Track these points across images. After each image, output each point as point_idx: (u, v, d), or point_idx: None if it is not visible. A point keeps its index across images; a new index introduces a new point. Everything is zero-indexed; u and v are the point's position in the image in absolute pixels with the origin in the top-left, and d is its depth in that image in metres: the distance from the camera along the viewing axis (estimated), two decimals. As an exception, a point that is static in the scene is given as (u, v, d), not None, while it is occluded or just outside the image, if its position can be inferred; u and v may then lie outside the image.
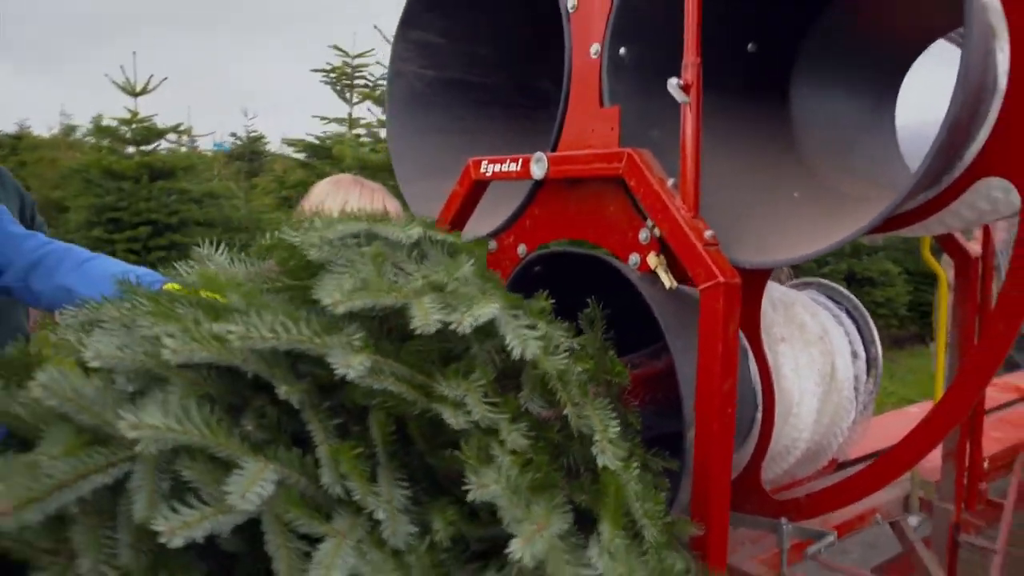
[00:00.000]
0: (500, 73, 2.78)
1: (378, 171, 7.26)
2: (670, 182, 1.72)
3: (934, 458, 2.88)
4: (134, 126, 9.91)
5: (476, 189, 2.22)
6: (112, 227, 9.26)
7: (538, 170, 1.98)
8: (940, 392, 2.82)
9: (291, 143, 9.96)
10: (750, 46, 2.16)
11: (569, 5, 2.06)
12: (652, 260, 1.88)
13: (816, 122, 2.26)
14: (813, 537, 2.22)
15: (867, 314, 2.62)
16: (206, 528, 1.02)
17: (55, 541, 1.15)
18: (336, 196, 2.23)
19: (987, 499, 3.15)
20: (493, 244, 2.37)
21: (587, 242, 2.12)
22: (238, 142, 18.03)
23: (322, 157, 8.97)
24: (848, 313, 2.61)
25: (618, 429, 1.35)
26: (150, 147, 10.13)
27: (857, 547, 4.36)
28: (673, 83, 1.66)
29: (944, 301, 2.76)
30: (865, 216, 1.61)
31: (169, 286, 1.82)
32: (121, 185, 9.48)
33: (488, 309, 1.24)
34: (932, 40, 2.23)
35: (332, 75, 9.25)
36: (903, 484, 2.90)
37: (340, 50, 9.22)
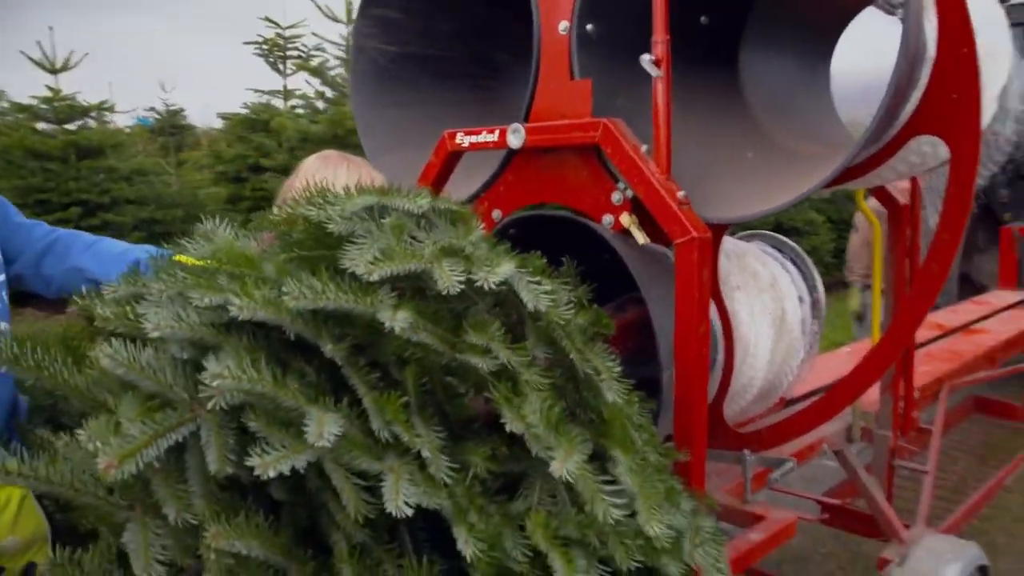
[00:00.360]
0: (459, 47, 2.91)
1: (320, 142, 7.30)
2: (643, 148, 1.90)
3: (872, 392, 3.16)
4: (56, 104, 9.73)
5: (451, 159, 2.37)
6: (40, 209, 9.11)
7: (515, 140, 2.14)
8: (877, 333, 3.07)
9: (227, 117, 9.88)
10: (703, 19, 2.34)
11: (536, -16, 2.21)
12: (625, 219, 2.06)
13: (764, 86, 2.47)
14: (774, 465, 2.46)
15: (809, 261, 2.85)
16: (289, 464, 1.17)
17: (132, 497, 1.30)
18: (324, 171, 2.32)
19: (919, 426, 3.44)
20: (468, 211, 2.53)
21: (559, 205, 2.30)
22: (157, 116, 17.70)
23: (259, 130, 8.94)
24: (792, 261, 2.84)
25: (619, 369, 1.53)
26: (74, 126, 9.96)
27: (799, 481, 4.68)
28: (646, 59, 1.84)
29: (879, 248, 3.00)
30: (820, 173, 1.82)
31: (179, 257, 1.96)
32: (47, 165, 9.32)
33: (506, 268, 1.41)
34: (860, 6, 2.44)
35: (264, 47, 9.20)
36: (845, 417, 3.16)
37: (271, 21, 9.17)
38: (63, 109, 9.80)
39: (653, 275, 2.00)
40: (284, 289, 1.29)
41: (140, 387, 1.30)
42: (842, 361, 3.90)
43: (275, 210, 1.88)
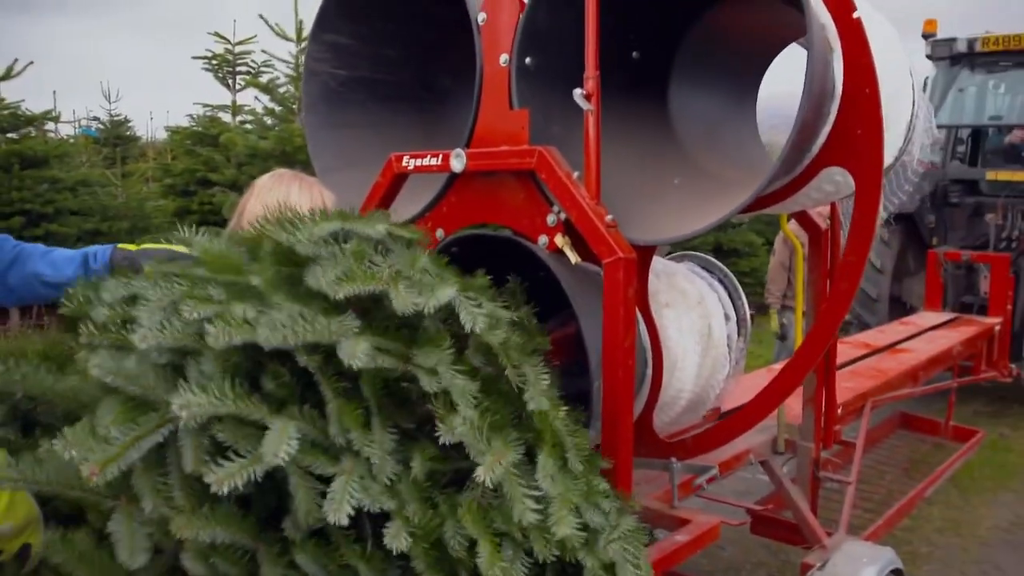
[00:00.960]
0: (405, 72, 3.04)
1: (268, 158, 7.35)
2: (575, 175, 2.05)
3: (797, 406, 3.35)
4: (0, 113, 9.63)
5: (397, 180, 2.50)
6: (-18, 218, 9.04)
7: (457, 164, 2.28)
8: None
9: (175, 131, 9.87)
10: (634, 54, 2.51)
11: (480, 19, 2.36)
12: (559, 240, 2.21)
13: (692, 117, 2.64)
14: (698, 472, 2.62)
15: (736, 281, 3.02)
16: (245, 476, 1.30)
17: (116, 490, 1.42)
18: (278, 190, 2.45)
19: (841, 439, 3.64)
20: (412, 229, 2.66)
21: (499, 225, 2.45)
22: (101, 127, 17.53)
23: (207, 144, 8.95)
24: (720, 281, 3.01)
25: (548, 381, 1.68)
26: (17, 135, 9.86)
27: (731, 494, 4.86)
28: (577, 93, 2.00)
29: (801, 269, 3.19)
30: (735, 200, 1.99)
31: (121, 245, 2.10)
32: (-11, 174, 9.23)
33: (447, 292, 1.55)
34: (782, 45, 2.63)
35: (214, 62, 9.24)
36: (772, 429, 3.34)
37: (221, 37, 9.21)
38: (6, 118, 9.70)
39: (584, 292, 2.15)
40: (259, 322, 1.42)
41: (123, 391, 1.44)
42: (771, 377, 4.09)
43: (234, 226, 2.01)
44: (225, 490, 1.31)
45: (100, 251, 2.16)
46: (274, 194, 2.40)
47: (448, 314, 1.66)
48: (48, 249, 2.16)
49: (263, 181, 2.52)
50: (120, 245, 2.18)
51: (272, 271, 1.61)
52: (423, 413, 1.59)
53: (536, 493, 1.52)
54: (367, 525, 1.51)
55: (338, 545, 1.46)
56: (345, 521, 1.38)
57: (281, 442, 1.34)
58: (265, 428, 1.37)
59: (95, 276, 2.01)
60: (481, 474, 1.46)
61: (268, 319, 1.42)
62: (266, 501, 1.47)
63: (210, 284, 1.54)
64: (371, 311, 1.60)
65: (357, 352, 1.43)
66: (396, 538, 1.42)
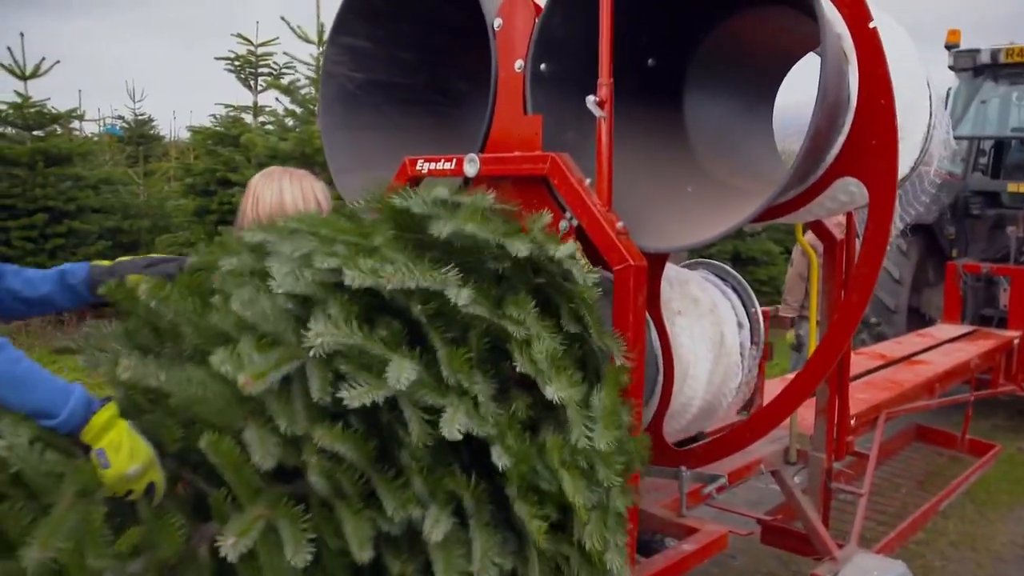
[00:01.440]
0: (421, 75, 3.06)
1: (288, 159, 7.39)
2: (587, 181, 2.05)
3: (810, 416, 3.33)
4: (26, 111, 9.75)
5: (412, 184, 2.50)
6: (5, 215, 9.13)
7: (471, 169, 2.29)
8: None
9: (197, 131, 9.95)
10: (649, 61, 2.51)
11: (495, 24, 2.37)
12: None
13: (706, 125, 2.63)
14: (707, 481, 2.61)
15: (750, 289, 3.01)
16: (370, 399, 1.59)
17: (246, 411, 1.65)
18: (270, 186, 2.62)
19: (855, 450, 3.62)
20: (426, 232, 2.67)
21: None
22: (125, 126, 17.69)
23: (228, 144, 9.02)
24: (733, 289, 3.01)
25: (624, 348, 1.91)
26: (43, 132, 9.97)
27: (742, 504, 4.84)
28: (591, 100, 2.00)
29: (815, 279, 3.18)
30: (747, 208, 1.98)
31: (95, 263, 2.18)
32: (13, 171, 9.34)
33: (567, 248, 1.89)
34: (799, 55, 2.63)
35: (236, 63, 9.30)
36: (783, 439, 3.33)
37: (244, 39, 9.28)
38: (32, 116, 9.82)
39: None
40: (383, 269, 1.68)
41: (259, 328, 1.69)
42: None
43: (237, 228, 2.08)
44: (356, 404, 1.57)
45: (76, 268, 2.22)
46: (267, 190, 2.59)
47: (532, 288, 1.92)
48: (21, 269, 2.20)
49: (255, 181, 2.67)
50: (94, 263, 2.26)
51: (390, 232, 1.86)
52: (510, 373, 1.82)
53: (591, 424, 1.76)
54: (463, 459, 1.75)
55: (444, 475, 1.69)
56: (457, 436, 1.62)
57: (401, 372, 1.58)
58: (382, 366, 1.60)
59: (74, 292, 2.17)
60: (551, 393, 1.71)
61: (390, 268, 1.68)
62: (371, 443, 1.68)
63: (335, 243, 1.79)
64: (474, 269, 1.85)
65: (462, 295, 1.70)
66: (500, 458, 1.66)
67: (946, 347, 5.47)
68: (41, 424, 1.61)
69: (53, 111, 10.00)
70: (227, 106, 10.54)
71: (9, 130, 10.02)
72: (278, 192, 2.60)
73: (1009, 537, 5.19)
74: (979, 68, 7.95)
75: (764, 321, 2.94)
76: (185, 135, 15.51)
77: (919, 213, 3.14)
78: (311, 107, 7.87)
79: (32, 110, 9.79)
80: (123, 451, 1.63)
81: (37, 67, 10.03)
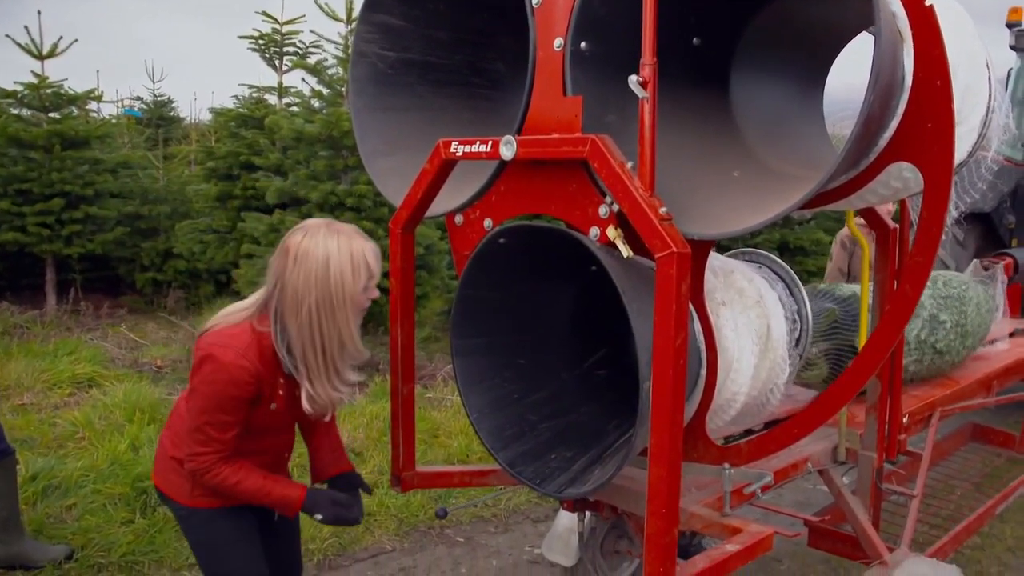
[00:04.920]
0: (457, 55, 3.09)
1: (315, 142, 7.45)
2: (629, 165, 2.08)
3: (860, 413, 3.34)
4: (43, 91, 9.88)
5: (445, 167, 2.55)
6: (22, 200, 9.26)
7: (507, 152, 2.32)
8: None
9: (219, 112, 10.04)
10: (695, 40, 2.53)
11: (534, 1, 2.39)
12: (611, 232, 2.24)
13: (754, 108, 2.65)
14: (752, 480, 2.62)
15: (798, 280, 3.02)
16: None
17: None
18: (315, 252, 2.40)
19: (907, 450, 3.61)
20: (460, 218, 2.71)
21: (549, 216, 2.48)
22: (144, 107, 17.88)
23: (252, 127, 9.09)
24: (781, 280, 3.02)
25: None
26: (59, 114, 10.09)
27: (789, 504, 4.85)
28: (633, 80, 2.02)
29: (867, 268, 3.18)
30: (796, 194, 2.00)
31: None
32: (29, 154, 9.46)
33: None
34: (851, 35, 2.63)
35: (261, 42, 9.37)
36: (832, 437, 3.34)
37: (269, 16, 9.34)
38: (48, 97, 9.94)
39: (636, 288, 2.18)
40: None
41: None
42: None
43: (270, 292, 2.45)
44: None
45: None
46: (312, 256, 2.39)
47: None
48: None
49: (296, 242, 2.43)
50: None
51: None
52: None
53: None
54: None
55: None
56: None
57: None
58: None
59: None
60: None
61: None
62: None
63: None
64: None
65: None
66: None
67: (1005, 341, 5.42)
68: None
69: (70, 92, 10.09)
70: (251, 87, 10.63)
71: (25, 112, 10.14)
72: (324, 259, 2.39)
73: (1070, 543, 5.17)
74: None
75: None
76: (206, 117, 15.66)
77: (975, 200, 3.13)
78: (339, 88, 7.92)
79: (48, 91, 9.88)
80: None
81: (54, 46, 10.14)
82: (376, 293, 2.50)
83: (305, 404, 2.49)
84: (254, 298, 2.53)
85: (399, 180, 2.84)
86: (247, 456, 2.54)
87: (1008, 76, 7.86)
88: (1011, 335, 5.57)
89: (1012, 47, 8.02)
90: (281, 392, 2.52)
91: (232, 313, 2.52)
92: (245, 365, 2.39)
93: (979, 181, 2.77)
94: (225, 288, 9.59)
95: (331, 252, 2.40)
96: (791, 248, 10.05)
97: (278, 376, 2.50)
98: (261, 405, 2.50)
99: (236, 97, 10.31)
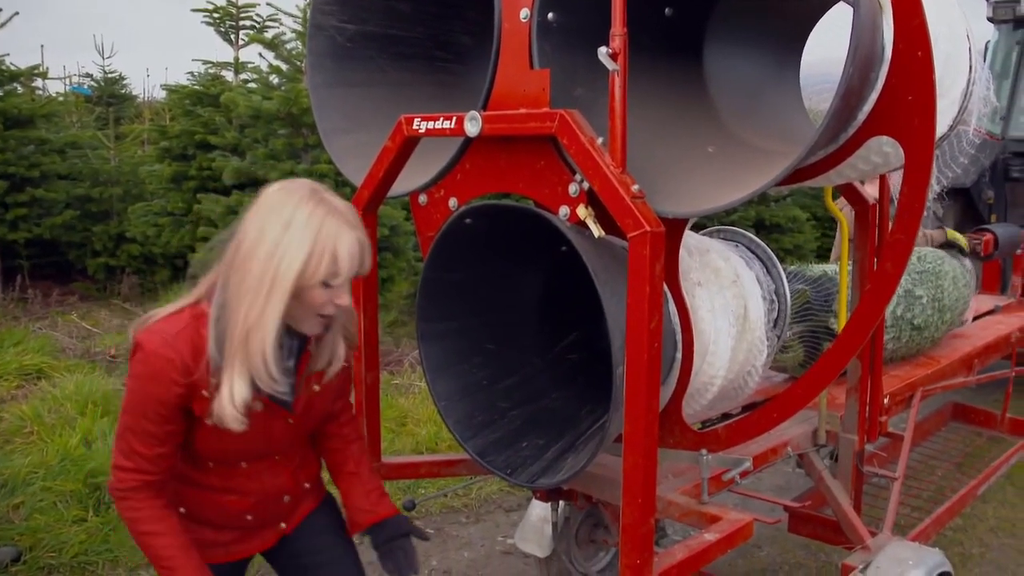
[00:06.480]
0: (420, 27, 3.04)
1: (273, 120, 7.37)
2: (599, 140, 2.05)
3: (841, 395, 3.35)
4: (-17, 68, 9.69)
5: (408, 144, 2.51)
6: (-38, 183, 9.12)
7: (472, 128, 2.28)
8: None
9: (173, 90, 9.89)
10: (667, 11, 2.50)
11: (498, -30, 2.35)
12: (581, 211, 2.22)
13: (729, 80, 2.63)
14: (730, 466, 2.62)
15: (776, 259, 3.02)
16: None
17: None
18: (277, 216, 1.97)
19: (888, 431, 3.63)
20: (424, 198, 2.68)
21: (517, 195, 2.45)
22: (94, 84, 17.60)
23: (207, 104, 8.98)
24: (758, 258, 3.02)
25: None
26: (1, 92, 9.90)
27: (769, 490, 4.88)
28: (603, 52, 1.99)
29: (845, 245, 3.18)
30: (773, 170, 1.98)
31: None
32: (-32, 135, 9.30)
33: None
34: (829, 4, 2.61)
35: (215, 15, 9.24)
36: (812, 420, 3.35)
37: (224, -13, 9.21)
38: (-10, 74, 9.77)
39: (608, 268, 2.16)
40: None
41: None
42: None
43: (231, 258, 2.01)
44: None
45: None
46: (274, 214, 1.97)
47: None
48: None
49: (267, 192, 2.04)
50: None
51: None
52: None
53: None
54: None
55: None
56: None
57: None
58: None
59: None
60: None
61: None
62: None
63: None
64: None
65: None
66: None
67: (985, 319, 5.47)
68: None
69: (12, 68, 9.92)
70: (206, 63, 10.49)
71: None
72: (282, 229, 1.95)
73: (1052, 522, 5.25)
74: (1021, 19, 7.90)
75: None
76: (160, 94, 15.45)
77: (957, 175, 3.14)
78: (298, 63, 7.83)
79: (-11, 67, 9.72)
80: None
81: (-6, 20, 9.97)
82: (345, 300, 2.04)
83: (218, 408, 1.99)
84: (210, 275, 2.08)
85: (360, 158, 2.80)
86: (216, 495, 2.18)
87: (986, 48, 7.91)
88: (991, 312, 5.63)
89: (990, 19, 8.07)
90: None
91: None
92: (169, 356, 1.95)
93: (960, 155, 2.78)
94: (181, 273, 9.47)
95: (296, 220, 1.94)
96: (767, 225, 10.11)
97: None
98: (200, 417, 2.04)
99: (191, 74, 10.17)
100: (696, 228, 2.83)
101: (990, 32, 8.13)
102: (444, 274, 2.56)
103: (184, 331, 1.99)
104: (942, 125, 2.44)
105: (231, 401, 1.96)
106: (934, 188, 2.53)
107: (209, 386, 1.99)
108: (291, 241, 1.93)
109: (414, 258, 7.91)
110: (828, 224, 11.21)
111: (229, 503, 2.22)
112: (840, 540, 3.38)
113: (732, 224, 6.80)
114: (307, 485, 2.39)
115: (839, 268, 3.23)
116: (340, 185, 7.26)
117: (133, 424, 2.00)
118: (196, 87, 9.73)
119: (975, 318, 5.38)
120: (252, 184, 7.52)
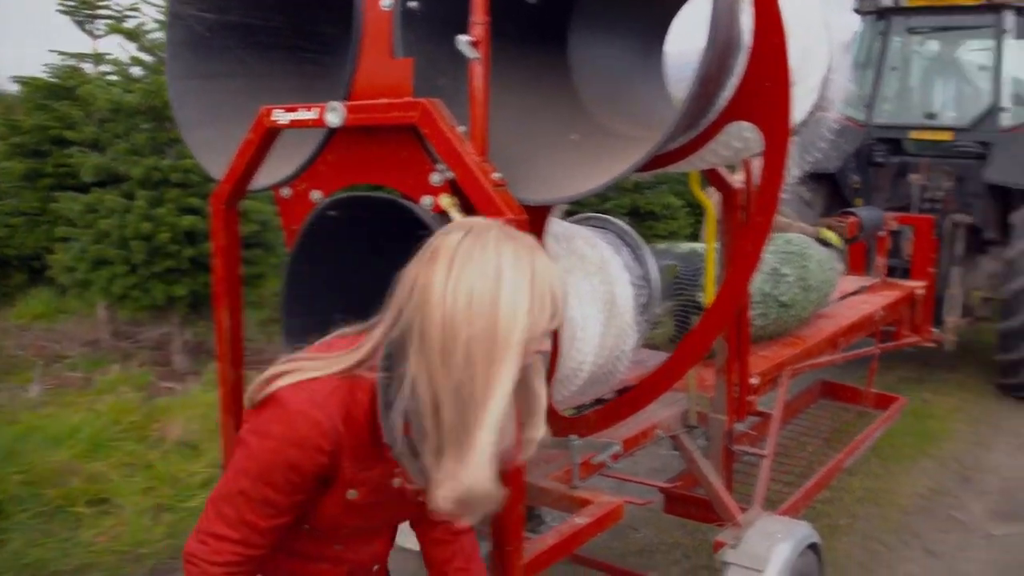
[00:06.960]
0: (282, 16, 2.99)
1: (135, 114, 7.13)
2: (461, 129, 2.05)
3: (710, 377, 3.44)
4: None
5: (269, 136, 2.46)
6: None
7: (334, 118, 2.26)
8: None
9: (25, 83, 9.49)
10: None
11: (359, -43, 2.33)
12: (444, 201, 2.21)
13: (593, 68, 2.66)
14: (599, 449, 2.67)
15: (644, 245, 3.07)
16: None
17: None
18: (481, 264, 1.59)
19: (757, 410, 3.75)
20: (287, 191, 2.63)
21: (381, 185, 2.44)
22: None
23: (63, 98, 8.66)
24: (627, 244, 3.06)
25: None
26: None
27: (645, 472, 4.98)
28: (463, 40, 2.00)
29: (712, 230, 3.26)
30: (634, 155, 2.02)
31: None
32: None
33: None
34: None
35: (71, 4, 8.89)
36: (682, 401, 3.43)
37: (79, -24, 8.87)
38: None
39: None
40: None
41: None
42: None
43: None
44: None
45: None
46: (479, 268, 1.59)
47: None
48: None
49: (452, 244, 1.65)
50: None
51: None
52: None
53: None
54: None
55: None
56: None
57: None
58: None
59: None
60: None
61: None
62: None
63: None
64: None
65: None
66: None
67: (850, 300, 5.69)
68: None
69: None
70: (62, 54, 10.09)
71: None
72: (495, 278, 1.58)
73: (913, 489, 5.51)
74: (882, 12, 8.25)
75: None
76: (12, 88, 14.80)
77: (819, 160, 3.26)
78: (160, 54, 7.59)
79: None
80: None
81: None
82: (547, 345, 1.69)
83: (433, 499, 1.66)
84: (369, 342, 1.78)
85: (220, 152, 2.74)
86: (307, 563, 1.90)
87: (853, 39, 8.22)
88: (855, 293, 5.87)
89: (856, 11, 8.38)
90: (369, 474, 1.79)
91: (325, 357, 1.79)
92: (319, 420, 1.68)
93: (820, 141, 2.88)
94: (39, 276, 9.11)
95: (505, 267, 1.59)
96: (641, 212, 10.29)
97: (369, 449, 1.76)
98: (335, 489, 1.77)
99: (47, 66, 9.78)
100: (569, 215, 2.86)
101: (857, 23, 8.45)
102: (309, 267, 2.53)
103: (336, 395, 1.72)
104: (800, 111, 2.53)
105: (436, 488, 1.64)
106: (793, 172, 2.62)
107: (363, 461, 1.76)
108: (515, 292, 1.58)
109: (285, 254, 7.77)
110: (701, 211, 11.49)
111: (320, 572, 1.94)
112: (713, 518, 3.48)
113: (606, 212, 6.91)
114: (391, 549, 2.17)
115: (706, 247, 3.31)
116: (207, 180, 7.10)
117: (252, 491, 1.70)
118: (52, 80, 9.38)
119: (841, 298, 5.60)
120: (113, 181, 7.25)
